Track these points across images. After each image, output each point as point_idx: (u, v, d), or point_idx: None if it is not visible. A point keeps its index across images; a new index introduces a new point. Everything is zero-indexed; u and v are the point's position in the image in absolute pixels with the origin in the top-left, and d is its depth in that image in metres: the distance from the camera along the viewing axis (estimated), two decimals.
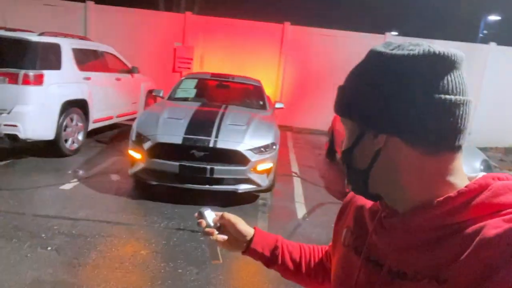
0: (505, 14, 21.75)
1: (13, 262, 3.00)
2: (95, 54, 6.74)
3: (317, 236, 3.99)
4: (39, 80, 5.14)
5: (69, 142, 5.79)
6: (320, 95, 9.81)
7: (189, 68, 9.89)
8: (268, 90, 9.06)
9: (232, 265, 3.29)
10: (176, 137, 4.35)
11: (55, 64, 5.55)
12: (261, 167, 4.45)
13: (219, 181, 4.37)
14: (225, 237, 0.96)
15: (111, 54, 7.28)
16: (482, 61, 9.58)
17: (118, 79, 7.15)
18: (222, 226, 0.98)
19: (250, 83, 6.48)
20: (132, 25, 9.89)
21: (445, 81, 0.60)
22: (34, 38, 5.33)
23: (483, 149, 8.68)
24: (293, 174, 6.06)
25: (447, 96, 0.60)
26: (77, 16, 9.84)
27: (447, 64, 0.61)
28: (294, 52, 9.96)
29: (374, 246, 0.71)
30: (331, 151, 7.29)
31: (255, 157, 4.39)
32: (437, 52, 0.61)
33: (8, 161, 5.27)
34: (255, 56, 9.88)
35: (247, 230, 0.99)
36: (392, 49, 0.64)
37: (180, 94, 6.05)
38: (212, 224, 0.97)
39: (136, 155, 4.43)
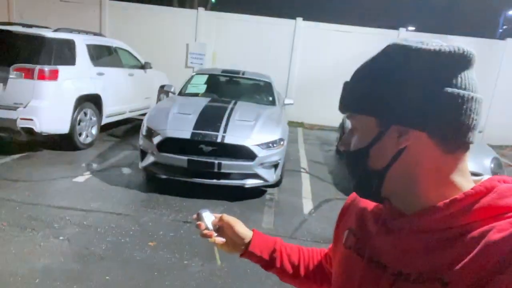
0: None
1: (26, 250, 3.13)
2: (108, 50, 6.88)
3: (322, 231, 4.02)
4: (54, 76, 5.29)
5: (83, 136, 5.94)
6: (331, 91, 9.74)
7: (201, 64, 9.98)
8: (280, 86, 9.09)
9: (236, 257, 3.35)
10: (185, 132, 4.43)
11: (70, 59, 5.70)
12: (268, 162, 4.51)
13: (227, 176, 4.44)
14: (223, 239, 0.96)
15: (125, 49, 7.41)
16: (498, 57, 9.39)
17: (131, 75, 7.28)
18: (221, 228, 0.98)
19: (260, 79, 6.51)
20: (146, 21, 10.03)
21: (464, 77, 0.62)
22: (49, 34, 5.47)
23: (497, 147, 8.54)
24: (302, 170, 6.09)
25: (465, 92, 0.61)
26: (92, 12, 10.02)
27: (466, 61, 0.62)
28: (306, 48, 9.94)
29: (378, 247, 0.71)
30: None
31: (263, 152, 4.44)
32: (459, 49, 0.62)
33: (24, 154, 5.45)
34: (267, 51, 9.89)
35: (246, 232, 0.98)
36: (416, 44, 0.63)
37: (190, 89, 6.13)
38: (211, 227, 0.96)
39: (146, 149, 4.54)
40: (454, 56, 0.61)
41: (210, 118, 4.73)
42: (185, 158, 4.31)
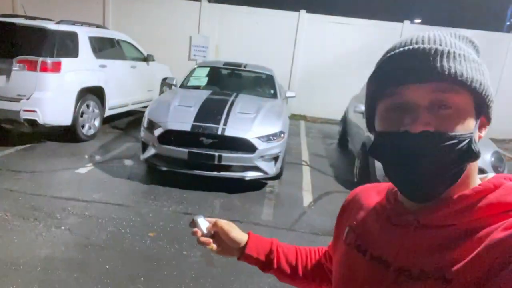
0: None
1: (29, 240, 3.19)
2: (111, 42, 6.89)
3: (321, 224, 4.05)
4: (56, 68, 5.32)
5: (86, 128, 5.99)
6: (335, 84, 9.77)
7: (204, 57, 9.98)
8: (282, 79, 9.08)
9: None
10: (185, 124, 4.46)
11: (72, 52, 5.73)
12: (268, 155, 4.53)
13: (227, 168, 4.47)
14: (219, 247, 0.97)
15: (127, 42, 7.42)
16: (503, 51, 9.31)
17: (133, 67, 7.30)
18: (216, 234, 0.97)
19: (262, 72, 6.51)
20: (149, 14, 10.03)
21: None
22: (52, 26, 5.50)
23: (501, 141, 8.50)
24: (303, 162, 6.11)
25: None
26: (96, 4, 10.03)
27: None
28: (309, 40, 9.90)
29: (380, 244, 0.70)
30: (343, 140, 7.30)
31: (263, 145, 4.46)
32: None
33: (27, 145, 5.51)
34: (270, 44, 9.86)
35: (241, 237, 0.97)
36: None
37: (192, 82, 6.15)
38: (206, 232, 0.96)
39: (147, 141, 4.58)
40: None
41: (211, 110, 4.75)
42: (186, 150, 4.35)
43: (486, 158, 4.50)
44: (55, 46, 5.40)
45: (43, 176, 4.53)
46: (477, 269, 0.55)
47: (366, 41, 9.60)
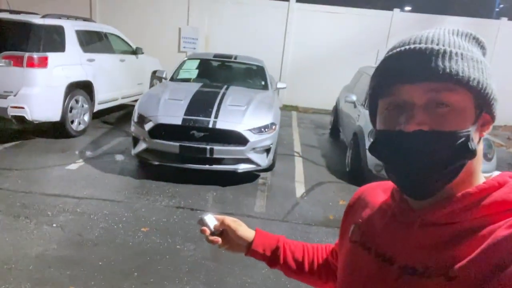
0: None
1: (20, 238, 3.16)
2: (99, 35, 6.79)
3: (314, 214, 4.08)
4: (43, 63, 5.24)
5: (75, 123, 5.93)
6: (326, 74, 9.76)
7: (194, 49, 9.89)
8: (273, 70, 9.04)
9: None
10: (176, 118, 4.43)
11: (59, 46, 5.63)
12: (260, 147, 4.53)
13: (219, 161, 4.46)
14: (228, 243, 1.01)
15: (115, 35, 7.32)
16: (492, 37, 9.34)
17: (122, 60, 7.21)
18: (224, 231, 1.01)
19: (252, 63, 6.47)
20: (137, 5, 9.87)
21: None
22: (37, 20, 5.39)
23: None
24: (295, 153, 6.12)
25: None
26: None
27: None
28: (299, 30, 9.85)
29: (385, 241, 0.71)
30: (334, 130, 7.33)
31: (254, 137, 4.45)
32: None
33: (17, 142, 5.44)
34: (260, 35, 9.79)
35: (248, 234, 1.01)
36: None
37: (182, 75, 6.10)
38: (213, 230, 0.99)
39: (138, 136, 4.54)
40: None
41: (202, 103, 4.72)
42: (177, 144, 4.32)
43: None
44: (41, 40, 5.31)
45: (33, 173, 4.49)
46: (480, 267, 0.55)
47: (356, 30, 9.59)
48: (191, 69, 6.26)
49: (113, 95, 6.93)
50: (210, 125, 4.38)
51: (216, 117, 4.47)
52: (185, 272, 2.92)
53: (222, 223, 0.99)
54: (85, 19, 6.86)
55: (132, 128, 4.67)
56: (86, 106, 6.14)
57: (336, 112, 7.29)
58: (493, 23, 9.80)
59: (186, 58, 6.61)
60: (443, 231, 0.63)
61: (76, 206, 3.78)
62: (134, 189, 4.31)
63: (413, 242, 0.65)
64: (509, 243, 0.54)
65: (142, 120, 4.54)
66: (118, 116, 7.54)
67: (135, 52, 7.77)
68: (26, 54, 5.09)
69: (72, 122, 5.85)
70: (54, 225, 3.41)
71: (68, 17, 6.19)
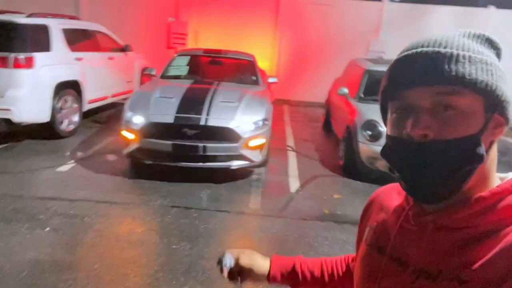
0: None
1: (13, 244, 3.11)
2: (86, 33, 6.68)
3: (309, 209, 4.08)
4: (29, 63, 5.13)
5: (65, 123, 5.84)
6: (317, 67, 9.73)
7: (183, 44, 9.77)
8: (264, 64, 8.99)
9: (224, 240, 3.41)
10: (167, 116, 4.38)
11: (45, 45, 5.52)
12: (253, 143, 4.50)
13: (212, 159, 4.43)
14: (247, 277, 1.03)
15: (103, 33, 7.20)
16: (481, 26, 9.37)
17: (111, 58, 7.11)
18: (241, 270, 1.03)
19: (243, 58, 6.42)
20: (123, 2, 9.72)
21: None
22: (22, 20, 5.28)
23: None
24: (288, 148, 6.11)
25: None
26: None
27: None
28: (289, 24, 9.79)
29: (400, 245, 0.71)
30: (327, 124, 7.32)
31: (247, 133, 4.42)
32: None
33: (6, 145, 5.35)
34: (251, 29, 9.72)
35: (263, 267, 1.03)
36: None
37: (172, 72, 6.03)
38: (232, 268, 1.02)
39: (129, 135, 4.49)
40: None
41: (193, 101, 4.67)
42: (170, 142, 4.28)
43: None
44: (27, 40, 5.20)
45: (23, 176, 4.42)
46: (492, 271, 0.56)
47: (347, 21, 9.56)
48: (181, 66, 6.19)
49: (102, 93, 6.83)
50: (202, 123, 4.34)
51: (208, 114, 4.43)
52: (182, 272, 2.90)
53: (237, 264, 1.02)
54: (71, 17, 6.74)
55: (123, 127, 4.61)
56: (75, 106, 6.05)
57: (328, 105, 7.28)
58: (481, 11, 9.82)
59: (175, 55, 6.54)
60: (456, 235, 0.63)
61: (69, 209, 3.73)
62: (127, 189, 4.27)
63: (427, 246, 0.66)
64: None
65: (133, 119, 4.48)
66: (108, 114, 7.45)
67: (124, 49, 7.66)
68: (12, 55, 4.98)
69: (62, 122, 5.76)
70: (48, 228, 3.36)
71: (54, 16, 6.07)
